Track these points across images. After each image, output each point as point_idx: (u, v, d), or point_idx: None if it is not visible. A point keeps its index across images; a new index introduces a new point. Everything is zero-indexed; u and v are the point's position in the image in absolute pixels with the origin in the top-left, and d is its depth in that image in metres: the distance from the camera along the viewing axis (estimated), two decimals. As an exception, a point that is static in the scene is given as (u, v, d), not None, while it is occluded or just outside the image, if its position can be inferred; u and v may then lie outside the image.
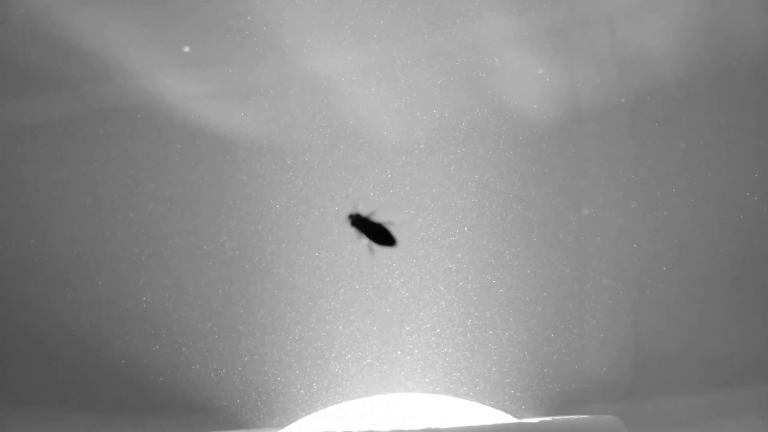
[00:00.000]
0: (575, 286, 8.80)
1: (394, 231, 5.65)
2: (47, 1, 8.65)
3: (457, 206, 8.95)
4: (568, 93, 8.90)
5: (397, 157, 8.98)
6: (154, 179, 8.97)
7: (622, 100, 8.89)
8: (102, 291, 8.88)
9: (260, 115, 8.96)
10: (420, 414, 7.44)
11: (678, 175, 8.89)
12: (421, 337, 8.81)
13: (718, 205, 8.83)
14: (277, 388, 8.78)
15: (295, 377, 8.80)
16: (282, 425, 8.39)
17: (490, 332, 8.79)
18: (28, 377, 8.81)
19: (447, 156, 8.98)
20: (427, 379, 8.73)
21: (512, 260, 8.89)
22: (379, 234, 5.61)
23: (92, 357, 8.82)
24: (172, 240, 8.95)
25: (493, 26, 8.90)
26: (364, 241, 5.61)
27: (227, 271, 8.95)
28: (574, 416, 7.53)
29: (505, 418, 7.61)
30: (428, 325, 8.83)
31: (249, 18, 8.89)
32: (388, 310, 8.87)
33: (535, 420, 7.54)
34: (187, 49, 8.79)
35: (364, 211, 5.61)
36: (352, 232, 5.62)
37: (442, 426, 7.18)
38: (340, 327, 8.85)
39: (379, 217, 5.60)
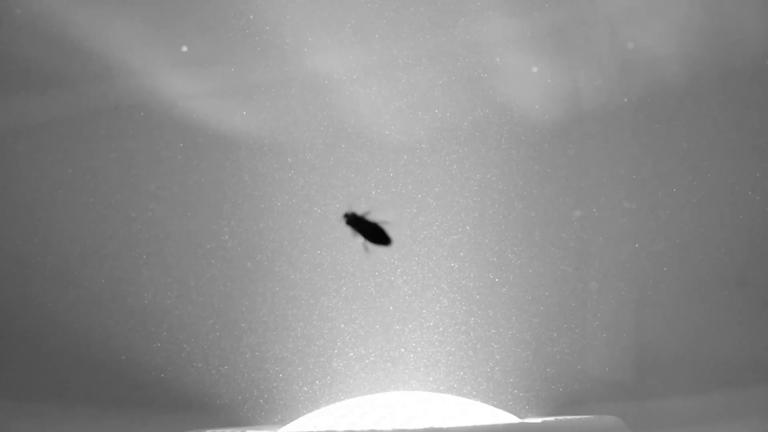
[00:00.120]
0: (578, 286, 8.81)
1: (390, 230, 5.66)
2: (49, 1, 8.63)
3: (459, 205, 8.96)
4: (569, 93, 8.91)
5: (399, 156, 8.99)
6: (155, 178, 8.97)
7: (624, 100, 8.90)
8: (104, 288, 8.89)
9: (262, 113, 8.96)
10: (422, 413, 7.45)
11: (680, 175, 8.90)
12: (423, 335, 8.82)
13: (720, 205, 8.85)
14: (279, 385, 8.79)
15: (297, 375, 8.81)
16: (284, 423, 8.40)
17: (493, 331, 8.81)
18: (31, 374, 8.82)
19: (449, 155, 8.99)
20: (430, 378, 8.75)
21: (515, 259, 8.90)
22: (374, 233, 5.62)
23: (94, 354, 8.82)
24: (173, 238, 8.96)
25: (495, 26, 8.91)
26: (359, 240, 5.62)
27: (229, 268, 8.96)
28: (576, 416, 7.55)
29: (508, 418, 7.63)
30: (431, 324, 8.85)
31: (251, 17, 8.89)
32: (391, 308, 8.88)
33: (538, 420, 7.56)
34: (185, 48, 8.78)
35: (359, 211, 5.63)
36: (348, 231, 5.63)
37: (444, 425, 7.18)
38: (342, 325, 8.87)
39: (374, 217, 5.61)
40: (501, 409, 7.91)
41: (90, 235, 8.92)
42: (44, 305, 8.85)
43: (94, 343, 8.83)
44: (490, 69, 8.95)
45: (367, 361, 8.80)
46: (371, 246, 5.66)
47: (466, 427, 7.08)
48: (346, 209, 5.61)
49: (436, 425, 7.18)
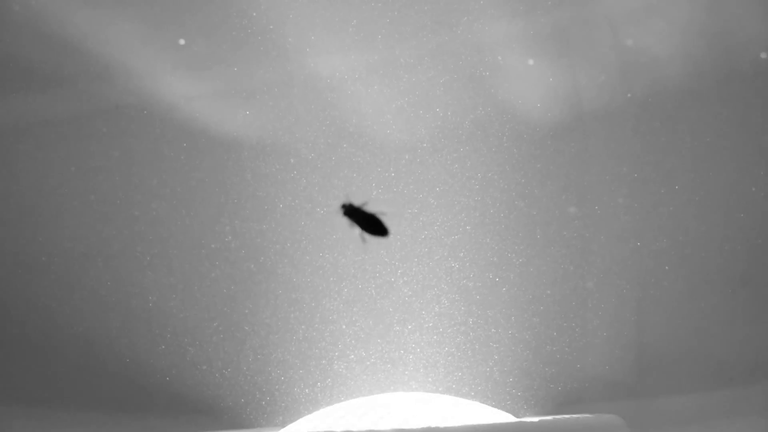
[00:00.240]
0: (578, 284, 8.76)
1: (387, 221, 5.64)
2: (50, 2, 8.67)
3: (461, 204, 8.92)
4: (571, 92, 8.86)
5: (401, 155, 8.96)
6: (158, 178, 8.98)
7: (628, 95, 8.85)
8: (108, 290, 8.89)
9: (264, 113, 8.96)
10: (420, 413, 7.42)
11: (682, 174, 8.84)
12: (423, 336, 8.78)
13: (722, 204, 8.78)
14: (281, 387, 8.77)
15: (299, 377, 8.79)
16: (285, 425, 8.37)
17: (493, 331, 8.75)
18: (34, 377, 8.83)
19: (450, 154, 8.96)
20: (429, 379, 8.70)
21: (515, 258, 8.85)
22: (371, 224, 5.60)
23: (98, 356, 8.83)
24: (177, 239, 8.96)
25: (497, 25, 8.87)
26: (357, 231, 5.60)
27: (232, 270, 8.95)
28: (575, 415, 7.48)
29: (505, 417, 7.58)
30: (430, 324, 8.80)
31: (253, 15, 8.90)
32: (391, 309, 8.85)
33: (536, 419, 7.49)
34: (182, 42, 8.80)
35: (356, 201, 5.61)
36: (345, 221, 5.61)
37: (442, 425, 7.14)
38: (344, 326, 8.84)
39: (371, 207, 5.59)
40: (500, 408, 7.86)
41: (93, 236, 8.94)
42: (47, 307, 8.86)
43: (98, 345, 8.84)
44: (492, 68, 8.91)
45: (368, 363, 8.77)
46: (368, 237, 5.64)
47: (464, 427, 7.04)
48: (343, 200, 5.60)
49: (433, 425, 7.13)
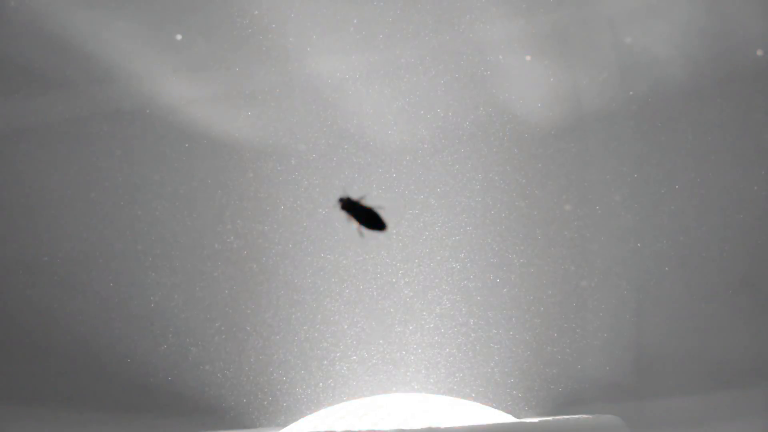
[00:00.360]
0: (579, 285, 8.75)
1: (385, 215, 5.63)
2: (50, 3, 8.68)
3: (462, 205, 8.92)
4: (572, 92, 8.85)
5: (402, 156, 8.96)
6: (160, 180, 8.98)
7: (630, 93, 8.83)
8: (109, 291, 8.90)
9: (265, 114, 8.96)
10: (420, 414, 7.42)
11: (682, 174, 8.83)
12: (424, 337, 8.78)
13: (723, 205, 8.77)
14: (283, 388, 8.77)
15: (301, 378, 8.80)
16: (287, 425, 8.38)
17: (494, 332, 8.75)
18: (35, 377, 8.84)
19: (451, 155, 8.95)
20: (430, 380, 8.70)
21: (516, 259, 8.85)
22: (369, 218, 5.59)
23: (99, 356, 8.84)
24: (179, 240, 8.97)
25: (498, 25, 8.87)
26: (354, 225, 5.60)
27: (234, 271, 8.96)
28: (574, 416, 7.48)
29: (505, 418, 7.58)
30: (431, 325, 8.80)
31: (255, 13, 8.89)
32: (392, 310, 8.85)
33: (536, 420, 7.49)
34: (183, 39, 8.79)
35: (354, 195, 5.60)
36: (343, 215, 5.61)
37: (443, 426, 7.15)
38: (345, 327, 8.84)
39: (369, 202, 5.59)
40: (500, 409, 7.86)
41: (94, 237, 8.95)
42: (48, 307, 8.88)
43: (100, 346, 8.85)
44: (493, 68, 8.90)
45: (369, 364, 8.77)
46: (366, 232, 5.64)
47: (464, 428, 7.04)
48: (341, 194, 5.60)
49: (433, 425, 7.14)
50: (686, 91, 8.82)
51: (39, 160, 8.91)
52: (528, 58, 8.59)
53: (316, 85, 8.96)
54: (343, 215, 5.57)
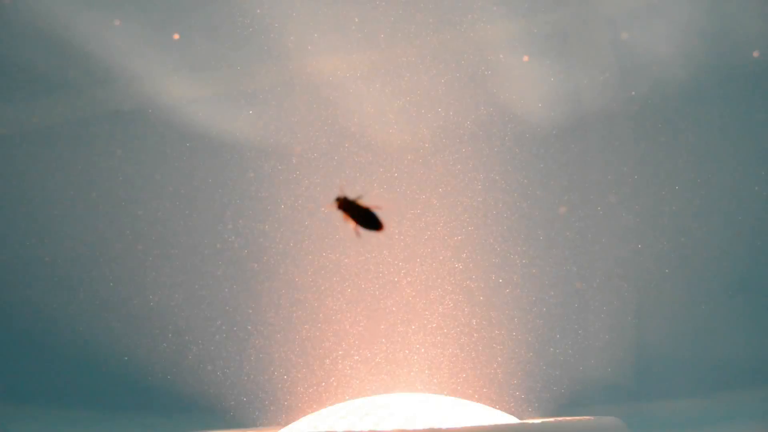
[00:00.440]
0: (581, 286, 8.75)
1: (381, 215, 5.62)
2: (51, 5, 8.65)
3: (463, 205, 8.91)
4: (573, 92, 8.85)
5: (403, 155, 8.94)
6: (161, 179, 8.97)
7: (632, 94, 8.83)
8: (110, 290, 8.89)
9: (266, 114, 8.95)
10: (422, 414, 7.41)
11: (683, 175, 8.83)
12: (427, 336, 8.77)
13: (723, 206, 8.77)
14: (284, 387, 8.77)
15: (302, 376, 8.79)
16: (287, 424, 8.37)
17: (496, 332, 8.75)
18: (37, 376, 8.84)
19: (452, 155, 8.94)
20: (433, 380, 8.70)
21: (518, 259, 8.85)
22: (365, 218, 5.57)
23: (99, 355, 8.83)
24: (180, 240, 8.95)
25: (499, 25, 8.86)
26: (351, 224, 5.58)
27: (235, 270, 8.95)
28: (576, 417, 7.49)
29: (507, 419, 7.58)
30: (434, 325, 8.80)
31: (257, 13, 8.87)
32: (394, 309, 8.84)
33: (538, 421, 7.50)
34: (183, 39, 8.77)
35: (352, 195, 5.59)
36: (339, 215, 5.60)
37: (444, 426, 7.15)
38: (347, 326, 8.83)
39: (367, 201, 5.57)
40: (503, 410, 7.86)
41: (95, 236, 8.93)
42: (49, 306, 8.86)
43: (100, 345, 8.84)
44: (494, 68, 8.90)
45: (371, 363, 8.76)
46: (363, 231, 5.63)
47: (466, 428, 7.04)
48: (338, 193, 5.58)
49: (435, 426, 7.14)
50: (686, 91, 8.83)
51: (40, 161, 8.90)
52: (526, 58, 8.59)
53: (317, 84, 8.95)
54: (339, 215, 5.56)
